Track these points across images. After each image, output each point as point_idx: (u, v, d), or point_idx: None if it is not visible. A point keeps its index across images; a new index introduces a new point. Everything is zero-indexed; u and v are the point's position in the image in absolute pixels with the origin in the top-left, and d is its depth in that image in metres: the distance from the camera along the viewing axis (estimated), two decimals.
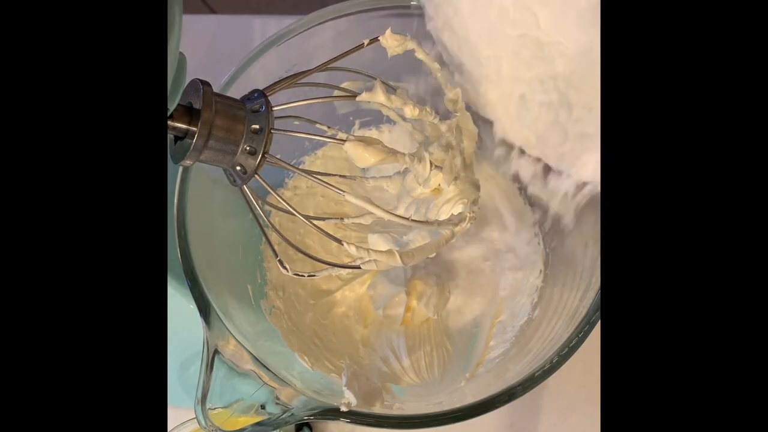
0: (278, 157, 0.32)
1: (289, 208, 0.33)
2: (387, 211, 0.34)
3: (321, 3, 0.42)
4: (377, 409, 0.39)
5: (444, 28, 0.37)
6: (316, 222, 0.34)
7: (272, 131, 0.31)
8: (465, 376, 0.45)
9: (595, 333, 0.34)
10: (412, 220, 0.35)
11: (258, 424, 0.35)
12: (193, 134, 0.29)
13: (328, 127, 0.34)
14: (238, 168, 0.31)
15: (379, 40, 0.34)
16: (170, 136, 0.31)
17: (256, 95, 0.32)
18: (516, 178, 0.51)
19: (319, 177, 0.33)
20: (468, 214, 0.36)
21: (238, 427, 0.34)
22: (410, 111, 0.34)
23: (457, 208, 0.36)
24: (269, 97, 0.31)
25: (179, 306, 0.44)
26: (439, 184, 0.35)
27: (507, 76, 0.35)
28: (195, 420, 0.34)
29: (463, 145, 0.37)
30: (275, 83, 0.33)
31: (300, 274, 0.35)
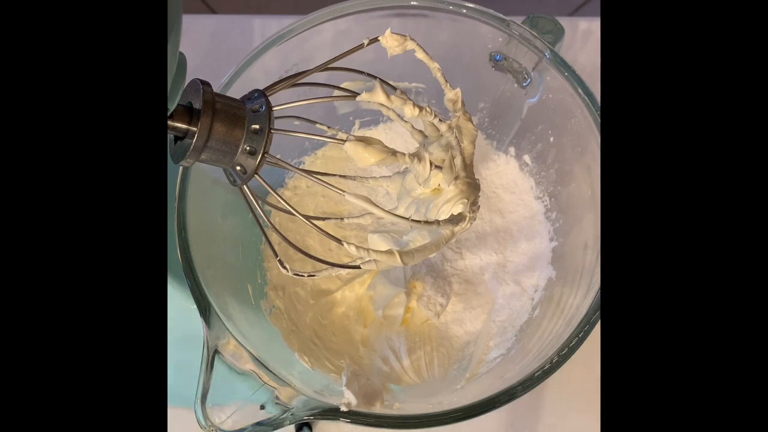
0: (278, 157, 0.32)
1: (289, 208, 0.33)
2: (387, 211, 0.34)
3: (321, 3, 0.42)
4: (377, 409, 0.39)
5: None
6: (316, 222, 0.34)
7: (272, 131, 0.31)
8: (465, 376, 0.45)
9: (595, 333, 0.34)
10: (412, 220, 0.35)
11: (258, 424, 0.35)
12: (193, 134, 0.29)
13: (328, 127, 0.34)
14: (238, 168, 0.31)
15: (379, 40, 0.34)
16: (170, 136, 0.31)
17: (256, 95, 0.31)
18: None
19: (319, 177, 0.33)
20: (468, 214, 0.36)
21: (238, 427, 0.34)
22: (410, 111, 0.34)
23: (457, 208, 0.36)
24: (269, 97, 0.31)
25: (179, 306, 0.44)
26: (439, 184, 0.35)
27: None
28: None
29: (463, 144, 0.37)
30: (275, 83, 0.33)
31: (300, 274, 0.35)
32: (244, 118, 0.30)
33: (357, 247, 0.33)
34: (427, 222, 0.35)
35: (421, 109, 0.34)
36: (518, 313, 0.48)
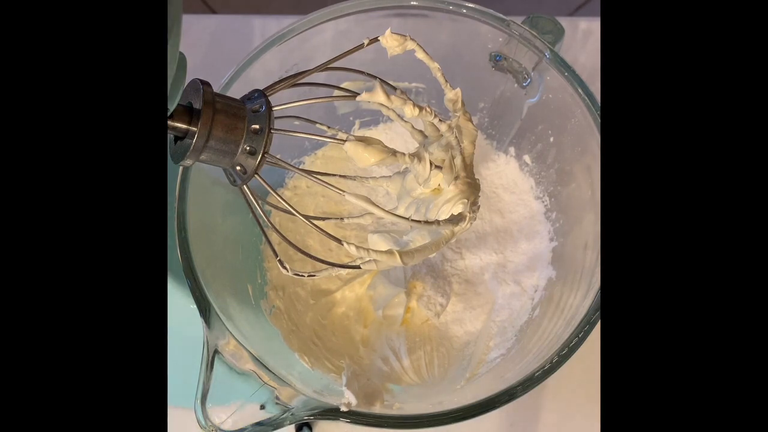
0: (278, 157, 0.32)
1: (289, 208, 0.33)
2: (387, 211, 0.34)
3: (321, 3, 0.42)
4: (377, 409, 0.39)
5: None
6: (316, 222, 0.34)
7: (272, 131, 0.31)
8: (465, 376, 0.45)
9: (595, 333, 0.34)
10: (412, 220, 0.35)
11: (258, 424, 0.35)
12: (193, 134, 0.29)
13: (328, 127, 0.34)
14: (238, 168, 0.31)
15: (379, 40, 0.34)
16: (170, 136, 0.31)
17: (256, 95, 0.31)
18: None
19: (319, 177, 0.33)
20: (468, 214, 0.36)
21: (238, 427, 0.34)
22: (410, 111, 0.34)
23: (457, 208, 0.36)
24: (269, 97, 0.31)
25: (179, 306, 0.44)
26: (439, 184, 0.35)
27: None
28: None
29: (463, 144, 0.37)
30: (275, 83, 0.33)
31: (300, 274, 0.35)
32: (244, 118, 0.30)
33: (357, 247, 0.33)
34: (427, 222, 0.35)
35: (421, 109, 0.34)
36: (518, 313, 0.48)
